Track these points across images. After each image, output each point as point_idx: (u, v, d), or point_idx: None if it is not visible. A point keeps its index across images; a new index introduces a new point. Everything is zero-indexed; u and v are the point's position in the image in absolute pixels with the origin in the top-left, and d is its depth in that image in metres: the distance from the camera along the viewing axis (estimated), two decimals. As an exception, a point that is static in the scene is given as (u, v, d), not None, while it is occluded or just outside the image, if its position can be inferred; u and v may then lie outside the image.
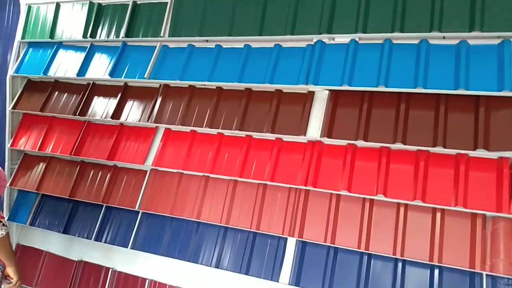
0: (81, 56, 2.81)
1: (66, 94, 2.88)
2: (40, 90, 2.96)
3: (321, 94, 2.22)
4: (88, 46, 2.82)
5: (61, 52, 2.92)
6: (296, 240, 2.17)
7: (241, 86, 2.36)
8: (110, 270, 2.57)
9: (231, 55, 2.40)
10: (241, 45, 2.40)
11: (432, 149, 1.93)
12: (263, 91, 2.34)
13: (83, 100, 2.76)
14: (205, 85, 2.46)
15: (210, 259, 2.29)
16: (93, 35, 2.79)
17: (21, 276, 2.05)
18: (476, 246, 1.84)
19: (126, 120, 2.60)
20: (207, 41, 2.49)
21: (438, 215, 1.93)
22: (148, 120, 2.51)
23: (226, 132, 2.39)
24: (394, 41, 2.05)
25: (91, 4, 2.84)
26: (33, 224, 2.84)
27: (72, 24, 2.88)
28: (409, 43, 2.02)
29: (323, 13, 2.17)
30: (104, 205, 2.64)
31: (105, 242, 2.57)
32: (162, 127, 2.57)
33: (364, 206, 2.06)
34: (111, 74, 2.63)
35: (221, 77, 2.35)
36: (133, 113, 2.60)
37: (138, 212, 2.53)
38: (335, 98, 2.17)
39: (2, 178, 1.96)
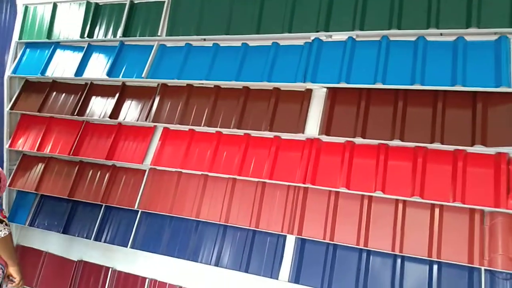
0: (78, 56, 2.81)
1: (64, 94, 2.87)
2: (38, 90, 2.96)
3: (319, 92, 2.23)
4: (86, 46, 2.82)
5: (58, 52, 2.92)
6: (296, 237, 2.18)
7: (239, 84, 2.36)
8: (110, 269, 2.58)
9: (228, 54, 2.40)
10: (238, 44, 2.40)
11: (430, 146, 1.94)
12: (261, 89, 2.34)
13: (81, 100, 2.76)
14: (203, 84, 2.46)
15: (210, 257, 2.30)
16: (91, 35, 2.79)
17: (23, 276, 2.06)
18: (474, 241, 1.85)
19: (124, 119, 2.60)
20: (204, 39, 2.49)
21: (437, 211, 1.94)
22: (146, 120, 2.51)
23: (224, 131, 2.39)
24: (391, 38, 2.05)
25: (88, 4, 2.84)
26: (33, 225, 2.84)
27: (69, 24, 2.88)
28: (406, 40, 2.02)
29: (321, 11, 2.17)
30: (103, 204, 2.64)
31: (104, 241, 2.57)
32: (160, 126, 2.57)
33: (362, 203, 2.06)
34: (109, 73, 2.63)
35: (219, 76, 2.36)
36: (131, 112, 2.60)
37: (137, 211, 2.53)
38: (333, 95, 2.17)
39: (3, 178, 1.96)
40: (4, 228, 1.85)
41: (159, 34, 2.55)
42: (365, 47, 2.08)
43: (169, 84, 2.57)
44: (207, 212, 2.32)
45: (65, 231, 2.71)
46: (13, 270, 2.00)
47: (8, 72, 2.98)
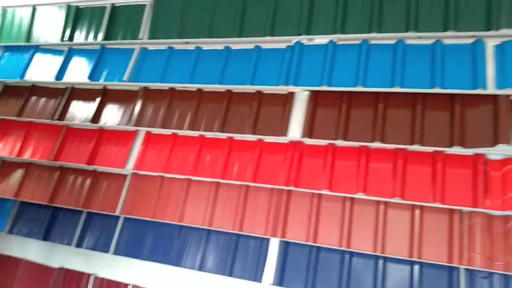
0: (59, 59, 2.77)
1: (44, 99, 2.83)
2: (17, 95, 2.91)
3: (301, 95, 2.24)
4: (66, 50, 2.79)
5: (38, 55, 2.87)
6: (279, 240, 2.18)
7: (222, 88, 2.36)
8: (92, 276, 2.53)
9: (211, 57, 2.40)
10: (221, 47, 2.40)
11: (409, 147, 1.96)
12: (244, 92, 2.35)
13: (62, 104, 2.72)
14: (185, 87, 2.45)
15: (194, 262, 2.28)
16: (71, 38, 2.76)
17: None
18: (453, 241, 1.88)
19: (105, 124, 2.57)
20: (187, 43, 2.48)
21: (417, 211, 1.96)
22: (128, 124, 2.49)
23: (208, 134, 2.39)
24: (372, 42, 2.08)
25: (68, 7, 2.81)
26: (12, 232, 2.77)
27: (49, 27, 2.84)
28: (386, 43, 2.06)
29: (302, 14, 2.20)
30: (85, 210, 2.60)
31: (86, 248, 2.53)
32: (142, 130, 2.55)
33: (345, 204, 2.08)
34: (90, 77, 2.60)
35: (201, 79, 2.35)
36: (112, 116, 2.57)
37: (119, 217, 2.50)
38: (315, 98, 2.19)
39: None
40: None
41: (140, 37, 2.53)
42: (346, 51, 2.11)
43: (151, 88, 2.56)
44: (191, 216, 2.30)
45: (45, 238, 2.66)
46: None
47: (-15, 76, 2.92)
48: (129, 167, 2.47)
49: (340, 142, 2.08)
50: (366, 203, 2.05)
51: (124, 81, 2.47)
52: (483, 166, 1.87)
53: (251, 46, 2.33)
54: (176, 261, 2.31)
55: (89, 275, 2.54)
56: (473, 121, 1.87)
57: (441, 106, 1.94)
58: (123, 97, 2.61)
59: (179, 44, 2.50)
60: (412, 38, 2.02)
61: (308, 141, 2.17)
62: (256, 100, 2.29)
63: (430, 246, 1.90)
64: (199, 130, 2.33)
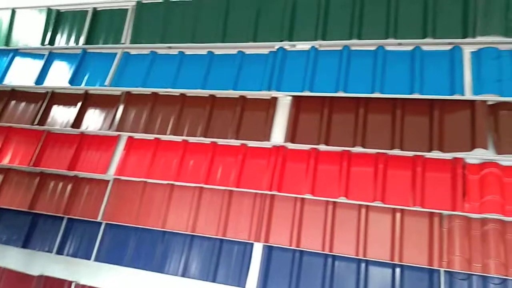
0: (39, 63, 2.73)
1: (23, 103, 2.78)
2: (-5, 99, 2.85)
3: (284, 100, 2.25)
4: (47, 54, 2.75)
5: (17, 59, 2.82)
6: (263, 245, 2.18)
7: (205, 92, 2.36)
8: (73, 284, 2.48)
9: (194, 62, 2.40)
10: (204, 52, 2.40)
11: (390, 152, 1.99)
12: (227, 97, 2.35)
13: (42, 109, 2.68)
14: (168, 92, 2.44)
15: (177, 268, 2.26)
16: (52, 42, 2.72)
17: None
18: (433, 244, 1.91)
19: (87, 129, 2.54)
20: (170, 47, 2.47)
21: (398, 215, 1.99)
22: (109, 129, 2.46)
23: (191, 139, 2.38)
24: (352, 48, 2.11)
25: (49, 11, 2.77)
26: (-11, 240, 2.70)
27: (29, 30, 2.79)
28: (367, 49, 2.09)
29: (284, 21, 2.22)
30: (66, 217, 2.56)
31: (67, 255, 2.49)
32: (124, 135, 2.53)
33: (327, 208, 2.10)
34: (71, 82, 2.57)
35: (184, 84, 2.35)
36: (94, 121, 2.54)
37: (101, 223, 2.47)
38: (297, 103, 2.20)
39: None
40: None
41: (123, 41, 2.51)
42: (328, 56, 2.14)
43: (133, 92, 2.54)
44: (174, 222, 2.29)
45: (25, 245, 2.60)
46: None
47: (-37, 80, 2.85)
48: (111, 173, 2.44)
49: (322, 147, 2.10)
50: (348, 207, 2.07)
51: (105, 85, 2.45)
52: (461, 170, 1.91)
53: (234, 51, 2.34)
54: (159, 268, 2.29)
55: (70, 282, 2.50)
56: (451, 126, 1.91)
57: (420, 111, 1.98)
58: (105, 102, 2.58)
59: (161, 48, 2.49)
60: (393, 44, 2.05)
61: (291, 145, 2.18)
62: (239, 105, 2.29)
63: (411, 249, 1.93)
64: (182, 135, 2.32)
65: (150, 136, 2.44)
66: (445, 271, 1.91)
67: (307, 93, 2.10)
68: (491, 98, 1.85)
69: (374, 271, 2.01)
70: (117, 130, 2.45)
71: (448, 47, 1.98)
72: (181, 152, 2.36)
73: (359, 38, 2.06)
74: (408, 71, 1.98)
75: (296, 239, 2.08)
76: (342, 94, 2.02)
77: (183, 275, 2.24)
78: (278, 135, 2.19)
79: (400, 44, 2.05)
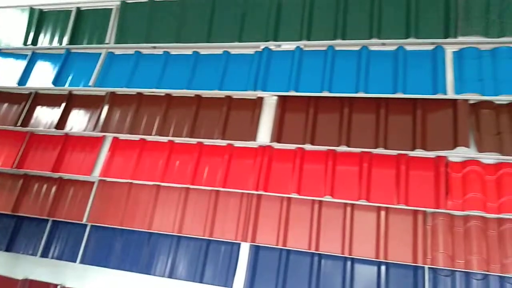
0: (22, 64, 2.69)
1: (6, 104, 2.73)
2: (-23, 100, 2.79)
3: (270, 100, 2.26)
4: (30, 54, 2.71)
5: (-1, 60, 2.78)
6: (250, 244, 2.18)
7: (191, 92, 2.35)
8: (58, 287, 2.45)
9: (179, 62, 2.39)
10: (189, 52, 2.39)
11: (374, 151, 2.01)
12: (213, 97, 2.35)
13: (25, 110, 2.63)
14: (153, 92, 2.42)
15: (163, 269, 2.25)
16: (35, 42, 2.68)
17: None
18: (418, 241, 1.93)
19: (71, 130, 2.51)
20: (154, 47, 2.46)
21: (383, 213, 2.01)
22: (94, 129, 2.43)
23: (177, 140, 2.37)
24: (337, 48, 2.13)
25: (31, 10, 2.73)
26: (-28, 243, 2.65)
27: (11, 30, 2.75)
28: (351, 49, 2.10)
29: (269, 21, 2.22)
30: (50, 219, 2.53)
31: (52, 258, 2.46)
32: (109, 136, 2.50)
33: (313, 207, 2.11)
34: (55, 82, 2.53)
35: (169, 84, 2.34)
36: (78, 122, 2.51)
37: (87, 225, 2.45)
38: (283, 103, 2.21)
39: None
40: None
41: (107, 41, 2.49)
42: (312, 57, 2.15)
43: (118, 93, 2.51)
44: (160, 223, 2.28)
45: (8, 249, 2.56)
46: None
47: None
48: (96, 174, 2.42)
49: (308, 146, 2.11)
50: (334, 205, 2.08)
51: (90, 86, 2.42)
52: (444, 168, 1.94)
53: (220, 51, 2.34)
54: (146, 269, 2.27)
55: (55, 285, 2.47)
56: (434, 125, 1.94)
57: (403, 110, 2.00)
58: (89, 103, 2.55)
59: (146, 48, 2.48)
60: (376, 44, 2.07)
61: (277, 145, 2.19)
62: (225, 105, 2.29)
63: (396, 246, 1.96)
64: (168, 136, 2.31)
65: (136, 137, 2.42)
66: (429, 268, 1.94)
67: (292, 93, 2.10)
68: (473, 97, 1.88)
69: (360, 269, 2.03)
70: (102, 131, 2.42)
71: (431, 47, 2.01)
72: (167, 153, 2.35)
73: (343, 38, 2.08)
74: (391, 71, 2.00)
75: (282, 239, 2.09)
76: (327, 94, 2.03)
77: (170, 276, 2.23)
78: (264, 135, 2.19)
79: (383, 44, 2.07)
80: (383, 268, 2.00)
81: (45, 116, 2.60)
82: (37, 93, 2.70)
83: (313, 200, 2.11)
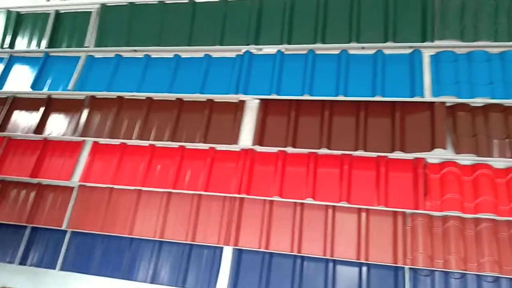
0: (-1, 67, 2.64)
1: (-18, 109, 2.67)
2: (-49, 105, 2.72)
3: (252, 103, 2.26)
4: (7, 57, 2.66)
5: (-25, 63, 2.71)
6: (232, 248, 2.18)
7: (172, 96, 2.34)
8: (37, 295, 2.41)
9: (160, 65, 2.38)
10: (170, 55, 2.38)
11: (354, 153, 2.03)
12: (195, 101, 2.34)
13: (3, 115, 2.57)
14: (134, 96, 2.40)
15: (145, 274, 2.23)
16: (12, 45, 2.63)
17: None
18: (398, 242, 1.96)
19: (50, 134, 2.46)
20: (135, 51, 2.44)
21: (363, 215, 2.04)
22: (74, 134, 2.40)
23: (158, 144, 2.35)
24: (317, 52, 2.15)
25: (8, 13, 2.68)
26: None
27: (-13, 33, 2.69)
28: (331, 53, 2.12)
29: (250, 25, 2.23)
30: (29, 226, 2.48)
31: (30, 265, 2.41)
32: (89, 141, 2.47)
33: (295, 210, 2.12)
34: (33, 86, 2.49)
35: (150, 88, 2.32)
36: (57, 126, 2.47)
37: (66, 231, 2.41)
38: (265, 106, 2.22)
39: None
40: None
41: (86, 45, 2.46)
42: (293, 60, 2.16)
43: (98, 97, 2.48)
44: (141, 228, 2.25)
45: (-15, 257, 2.50)
46: None
47: None
48: (76, 179, 2.38)
49: (289, 149, 2.12)
50: (315, 208, 2.10)
51: (69, 90, 2.39)
52: (423, 170, 1.97)
53: (201, 54, 2.33)
54: (127, 275, 2.25)
55: (34, 293, 2.42)
56: (412, 127, 1.97)
57: (382, 113, 2.03)
58: (69, 107, 2.51)
59: (127, 52, 2.45)
60: (356, 48, 2.10)
61: (259, 148, 2.19)
62: (207, 109, 2.29)
63: (376, 247, 1.98)
64: (149, 140, 2.29)
65: (116, 141, 2.39)
66: (409, 268, 1.97)
67: (274, 96, 2.11)
68: (449, 99, 1.92)
69: (342, 270, 2.04)
70: (81, 136, 2.39)
71: (408, 51, 2.05)
72: (148, 157, 2.33)
73: (323, 42, 2.10)
74: (370, 74, 2.03)
75: (265, 242, 2.09)
76: (308, 97, 2.04)
77: (152, 282, 2.21)
78: (246, 138, 2.19)
79: (363, 48, 2.09)
80: (364, 269, 2.02)
81: (23, 121, 2.55)
82: (15, 97, 2.65)
83: (295, 202, 2.13)
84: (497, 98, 1.86)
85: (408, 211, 2.00)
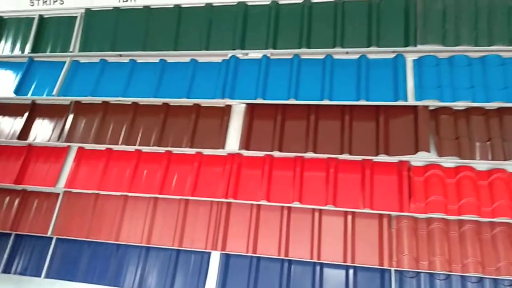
0: (-19, 72, 2.60)
1: (-35, 115, 2.63)
2: None
3: (238, 107, 2.27)
4: (-11, 62, 2.62)
5: (-43, 68, 2.67)
6: (220, 253, 2.18)
7: (158, 101, 2.33)
8: (22, 303, 2.38)
9: (146, 70, 2.37)
10: (156, 60, 2.38)
11: (340, 156, 2.05)
12: (181, 105, 2.33)
13: (-15, 121, 2.54)
14: (119, 100, 2.38)
15: (132, 281, 2.21)
16: (-5, 50, 2.59)
17: None
18: (383, 244, 1.98)
19: (34, 140, 2.43)
20: (120, 55, 2.43)
21: (349, 217, 2.05)
22: (58, 140, 2.37)
23: (144, 149, 2.34)
24: (302, 57, 2.16)
25: (-10, 17, 2.65)
26: None
27: (-31, 38, 2.65)
28: (316, 58, 2.14)
29: (236, 29, 2.24)
30: (13, 233, 2.44)
31: (15, 273, 2.38)
32: (74, 146, 2.45)
33: (282, 214, 2.13)
34: (17, 91, 2.46)
35: (136, 92, 2.31)
36: (42, 132, 2.44)
37: (52, 238, 2.38)
38: (251, 111, 2.22)
39: None
40: None
41: (71, 49, 2.44)
42: (279, 65, 2.18)
43: (83, 102, 2.46)
44: (128, 234, 2.24)
45: (-33, 266, 2.46)
46: None
47: None
48: (61, 185, 2.36)
49: (276, 153, 2.13)
50: (302, 211, 2.11)
51: (53, 95, 2.36)
52: (407, 172, 2.00)
53: (187, 59, 2.33)
54: (114, 281, 2.23)
55: (18, 302, 2.38)
56: (396, 131, 2.00)
57: (367, 117, 2.06)
58: (53, 112, 2.48)
59: (112, 56, 2.44)
60: (340, 53, 2.12)
61: (246, 153, 2.20)
62: (193, 113, 2.28)
63: (363, 250, 2.00)
64: (135, 145, 2.28)
65: (101, 147, 2.38)
66: (395, 270, 1.99)
67: (260, 101, 2.12)
68: (432, 103, 1.96)
69: (329, 273, 2.06)
70: (66, 141, 2.36)
71: (392, 55, 2.08)
72: (135, 162, 2.32)
73: (308, 47, 2.11)
74: (355, 79, 2.05)
75: (252, 246, 2.09)
76: (294, 101, 2.06)
77: (139, 288, 2.19)
78: (233, 142, 2.19)
79: (347, 52, 2.12)
80: (351, 271, 2.04)
81: (7, 126, 2.51)
82: (-2, 102, 2.62)
83: (282, 206, 2.13)
84: (478, 102, 1.89)
85: (393, 213, 2.02)
